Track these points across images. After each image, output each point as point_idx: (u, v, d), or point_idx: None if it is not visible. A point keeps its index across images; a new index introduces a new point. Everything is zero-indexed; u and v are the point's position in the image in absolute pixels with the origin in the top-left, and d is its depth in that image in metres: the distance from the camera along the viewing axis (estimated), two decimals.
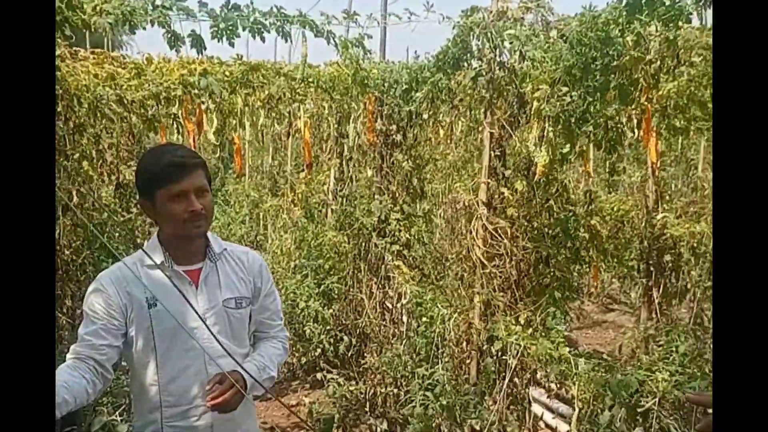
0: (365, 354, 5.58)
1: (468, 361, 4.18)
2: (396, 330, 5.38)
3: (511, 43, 3.55)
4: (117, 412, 4.38)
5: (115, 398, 4.54)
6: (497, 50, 3.64)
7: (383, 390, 4.99)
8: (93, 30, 4.05)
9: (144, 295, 2.13)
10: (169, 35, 3.95)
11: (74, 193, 5.07)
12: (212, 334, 2.12)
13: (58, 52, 4.56)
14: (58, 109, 4.68)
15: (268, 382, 2.23)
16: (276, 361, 2.31)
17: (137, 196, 2.22)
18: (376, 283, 5.52)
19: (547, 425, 4.94)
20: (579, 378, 3.30)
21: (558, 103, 3.22)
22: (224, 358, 2.16)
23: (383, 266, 5.45)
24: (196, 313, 2.11)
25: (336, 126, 6.67)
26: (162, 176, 2.09)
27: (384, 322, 5.51)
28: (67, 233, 4.90)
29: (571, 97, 3.19)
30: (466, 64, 3.88)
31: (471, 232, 3.91)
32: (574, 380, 3.37)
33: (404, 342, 4.96)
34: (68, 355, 2.11)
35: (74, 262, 4.94)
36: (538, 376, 3.95)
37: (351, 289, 5.90)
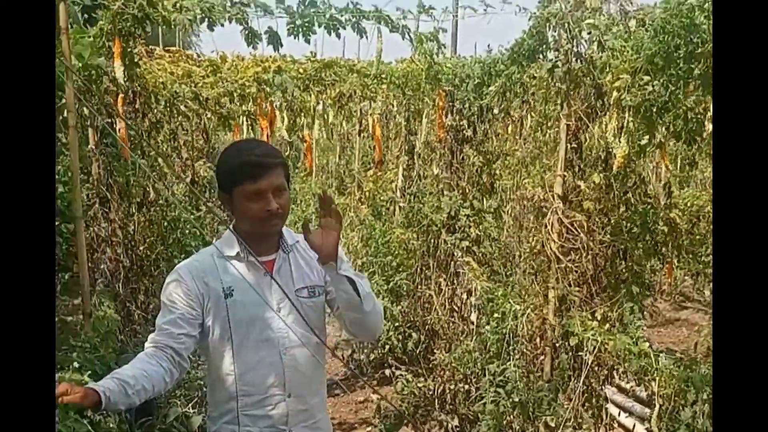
0: (434, 350, 5.56)
1: (541, 358, 4.13)
2: (465, 326, 5.36)
3: (589, 33, 3.50)
4: (190, 405, 4.48)
5: (188, 391, 4.64)
6: (575, 41, 3.60)
7: (453, 386, 4.97)
8: (173, 26, 4.16)
9: (221, 286, 2.16)
10: (247, 32, 4.04)
11: (150, 189, 5.20)
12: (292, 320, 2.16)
13: (135, 50, 4.69)
14: (136, 106, 4.81)
15: (363, 286, 2.15)
16: (370, 292, 2.21)
17: (217, 188, 2.25)
18: (445, 279, 5.51)
19: (621, 425, 4.85)
20: (660, 374, 3.23)
21: (639, 93, 3.16)
22: (299, 348, 2.20)
23: (452, 262, 5.43)
24: (267, 303, 2.16)
25: (405, 123, 6.69)
26: (241, 174, 2.11)
27: (453, 319, 5.49)
28: (142, 229, 5.02)
29: (652, 86, 3.13)
30: (541, 56, 3.84)
31: (546, 227, 3.86)
32: (655, 376, 3.30)
33: (474, 338, 4.93)
34: (146, 344, 2.15)
35: (148, 258, 5.07)
36: (615, 373, 3.88)
37: (419, 286, 5.90)
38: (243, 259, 2.20)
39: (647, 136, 3.35)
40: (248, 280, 2.18)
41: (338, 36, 3.98)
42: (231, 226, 2.27)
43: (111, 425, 2.92)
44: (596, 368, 3.73)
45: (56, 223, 8.01)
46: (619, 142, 3.34)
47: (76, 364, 2.92)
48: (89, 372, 2.90)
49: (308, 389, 2.23)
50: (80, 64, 4.35)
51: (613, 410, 4.02)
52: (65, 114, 4.05)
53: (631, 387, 3.79)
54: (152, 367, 2.06)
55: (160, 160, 5.50)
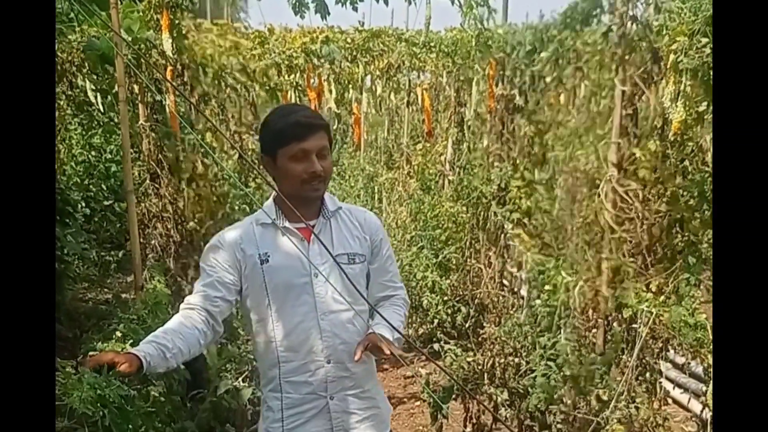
0: (483, 324, 5.51)
1: (594, 330, 4.05)
2: (515, 300, 5.29)
3: None
4: (240, 378, 4.53)
5: (238, 365, 4.70)
6: (630, 3, 3.47)
7: (503, 360, 4.91)
8: None
9: (257, 252, 2.18)
10: (295, 1, 4.01)
11: (199, 163, 5.23)
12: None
13: (183, 23, 4.69)
14: (184, 79, 4.82)
15: (398, 342, 2.24)
16: (397, 323, 2.28)
17: (261, 152, 2.26)
18: (494, 252, 5.45)
19: (676, 401, 4.75)
20: None
21: (697, 56, 3.04)
22: (336, 313, 2.21)
23: (502, 235, 5.36)
24: (303, 268, 2.18)
25: (455, 94, 6.60)
26: (286, 134, 2.12)
27: (503, 292, 5.43)
28: (191, 204, 5.07)
29: (710, 48, 3.01)
30: (595, 20, 3.73)
31: (599, 196, 3.76)
32: (711, 349, 3.20)
33: (525, 311, 4.86)
34: (181, 306, 2.19)
35: (197, 233, 5.11)
36: (669, 346, 3.78)
37: (468, 260, 5.84)
38: (280, 225, 2.21)
39: (705, 102, 3.23)
40: (285, 245, 2.18)
41: (386, 3, 3.93)
42: (273, 194, 2.28)
43: (161, 399, 2.97)
44: (650, 341, 3.64)
45: (110, 202, 8.21)
46: (676, 107, 3.23)
47: (119, 333, 2.96)
48: (131, 341, 2.94)
49: (349, 356, 2.22)
50: (130, 38, 4.38)
51: (668, 386, 3.93)
52: (117, 89, 4.10)
53: (687, 361, 3.70)
54: (187, 329, 2.09)
55: (209, 134, 5.54)
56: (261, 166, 2.30)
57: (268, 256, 2.18)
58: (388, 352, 2.08)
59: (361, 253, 2.29)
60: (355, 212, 2.36)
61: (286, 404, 2.24)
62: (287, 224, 2.21)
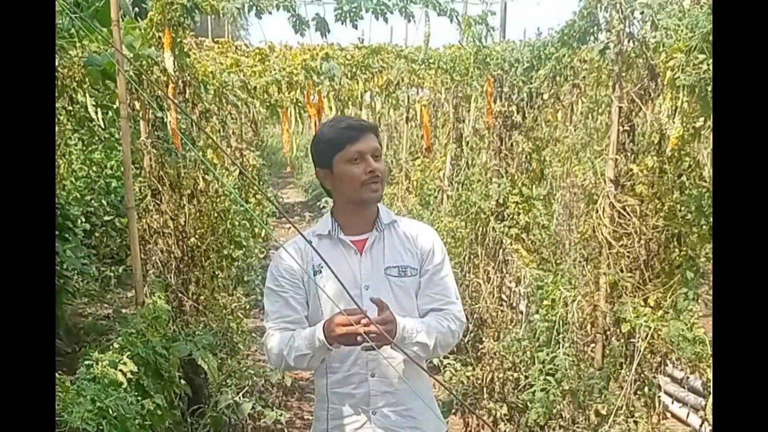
0: (482, 339, 5.52)
1: (592, 345, 4.06)
2: (514, 315, 5.31)
3: (642, 12, 3.42)
4: (241, 393, 4.54)
5: (239, 380, 4.71)
6: (627, 21, 3.52)
7: (502, 375, 4.93)
8: (221, 15, 4.20)
9: (312, 263, 2.23)
10: (294, 19, 4.05)
11: (200, 179, 5.26)
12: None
13: (185, 41, 4.74)
14: (186, 96, 4.86)
15: (416, 347, 2.17)
16: (434, 333, 2.21)
17: (316, 168, 2.29)
18: (493, 267, 5.46)
19: (675, 416, 4.75)
20: None
21: (694, 72, 3.07)
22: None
23: (501, 250, 5.38)
24: (354, 280, 2.20)
25: (453, 111, 6.64)
26: (340, 139, 2.17)
27: (501, 307, 5.44)
28: (192, 220, 5.08)
29: (707, 64, 3.04)
30: (592, 38, 3.77)
31: (597, 211, 3.79)
32: (710, 363, 3.21)
33: (523, 326, 4.88)
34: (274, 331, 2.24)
35: (198, 249, 5.13)
36: (668, 360, 3.79)
37: (467, 275, 5.85)
38: (334, 237, 2.25)
39: (702, 118, 3.26)
40: (338, 257, 2.22)
41: (386, 21, 3.97)
42: (330, 209, 2.34)
43: (159, 413, 2.99)
44: (649, 355, 3.65)
45: (110, 218, 8.22)
46: (673, 123, 3.26)
47: (116, 345, 2.98)
48: (128, 353, 2.96)
49: (393, 371, 2.23)
50: (131, 55, 4.42)
51: (666, 400, 3.94)
52: (118, 105, 4.13)
53: (685, 375, 3.71)
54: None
55: (210, 150, 5.57)
56: (259, 185, 2.33)
57: (321, 267, 2.21)
58: (374, 329, 2.00)
59: (414, 267, 2.28)
60: (410, 225, 2.37)
61: (332, 415, 2.27)
62: (341, 236, 2.25)
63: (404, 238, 2.30)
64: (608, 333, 3.93)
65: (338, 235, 2.24)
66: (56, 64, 4.72)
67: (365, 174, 2.16)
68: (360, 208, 2.24)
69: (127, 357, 2.91)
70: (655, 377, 3.75)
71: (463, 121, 6.35)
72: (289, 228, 12.71)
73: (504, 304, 5.43)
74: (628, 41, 3.59)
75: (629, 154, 3.71)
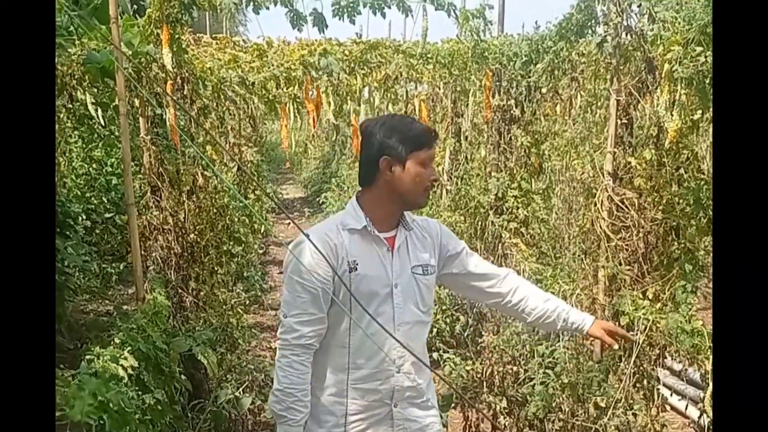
0: (482, 333, 5.53)
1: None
2: None
3: (639, 5, 3.43)
4: (241, 388, 4.55)
5: (239, 376, 4.72)
6: (624, 14, 3.52)
7: (501, 368, 4.93)
8: (219, 11, 4.20)
9: (347, 259, 2.18)
10: (292, 14, 4.05)
11: (199, 176, 5.26)
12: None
13: (183, 38, 4.74)
14: (184, 92, 4.87)
15: None
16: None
17: (381, 154, 2.20)
18: (493, 261, 5.47)
19: (673, 408, 4.76)
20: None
21: (691, 64, 3.08)
22: (410, 324, 2.25)
23: (500, 244, 5.39)
24: (388, 278, 2.21)
25: (452, 105, 6.65)
26: (421, 139, 2.18)
27: None
28: (192, 216, 5.09)
29: (705, 57, 3.05)
30: (590, 31, 3.77)
31: (596, 204, 3.80)
32: (708, 355, 3.22)
33: None
34: (294, 340, 2.18)
35: (198, 245, 5.13)
36: (666, 353, 3.80)
37: None
38: (368, 234, 2.23)
39: (700, 110, 3.27)
40: (371, 254, 2.22)
41: (383, 16, 3.97)
42: (355, 198, 2.31)
43: (159, 408, 3.00)
44: (647, 348, 3.66)
45: (111, 215, 8.24)
46: (671, 116, 3.27)
47: (117, 340, 2.99)
48: (129, 348, 2.97)
49: (416, 366, 2.27)
50: (130, 52, 4.42)
51: (665, 392, 3.95)
52: (117, 102, 4.13)
53: (684, 368, 3.72)
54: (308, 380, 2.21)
55: (209, 146, 5.58)
56: (260, 182, 2.32)
57: (357, 264, 2.18)
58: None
59: (433, 264, 2.33)
60: (422, 223, 2.40)
61: (351, 410, 2.26)
62: (376, 232, 2.23)
63: (422, 236, 2.33)
64: None
65: (373, 232, 2.22)
66: (56, 62, 4.72)
67: (430, 180, 2.21)
68: (402, 208, 2.25)
69: (128, 352, 2.92)
70: (654, 370, 3.76)
71: (462, 115, 6.36)
72: (289, 224, 12.71)
73: None
74: (626, 34, 3.59)
75: (627, 148, 3.71)
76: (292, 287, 2.19)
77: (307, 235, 2.13)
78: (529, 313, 2.41)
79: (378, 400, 2.27)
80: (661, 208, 3.64)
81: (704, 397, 3.44)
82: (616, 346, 2.44)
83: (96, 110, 5.25)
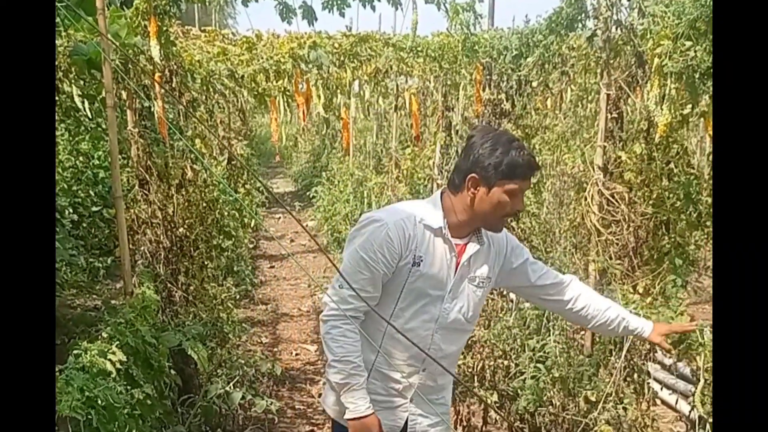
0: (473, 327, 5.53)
1: (582, 332, 4.08)
2: (504, 303, 5.32)
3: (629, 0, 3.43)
4: (231, 383, 4.53)
5: (229, 370, 4.70)
6: (614, 8, 3.52)
7: (492, 363, 4.94)
8: (207, 4, 4.17)
9: (414, 253, 2.19)
10: (281, 7, 4.03)
11: (188, 169, 5.23)
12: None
13: (171, 30, 4.70)
14: (172, 85, 4.83)
15: None
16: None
17: (472, 170, 2.18)
18: None
19: (664, 402, 4.77)
20: (704, 347, 3.15)
21: (681, 59, 3.08)
22: (450, 330, 2.28)
23: None
24: (445, 282, 2.23)
25: (442, 99, 6.64)
26: (515, 170, 2.13)
27: (492, 295, 5.44)
28: (181, 210, 5.06)
29: (695, 51, 3.05)
30: (580, 25, 3.77)
31: (586, 199, 3.80)
32: (699, 350, 3.23)
33: (514, 314, 4.89)
34: (347, 311, 2.19)
35: (187, 239, 5.10)
36: (657, 347, 3.80)
37: None
38: (442, 236, 2.23)
39: (690, 105, 3.27)
40: (437, 255, 2.22)
41: (373, 9, 3.96)
42: (440, 193, 2.31)
43: (149, 402, 2.98)
44: (638, 342, 3.67)
45: (98, 208, 8.18)
46: (661, 110, 3.26)
47: (105, 335, 2.96)
48: (117, 342, 2.95)
49: (441, 370, 2.29)
50: (117, 44, 4.38)
51: (655, 386, 3.96)
52: (104, 94, 4.09)
53: (674, 363, 3.73)
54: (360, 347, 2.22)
55: (197, 139, 5.53)
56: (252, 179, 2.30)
57: (421, 260, 2.19)
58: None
59: (490, 278, 2.35)
60: (493, 235, 2.37)
61: (369, 390, 2.26)
62: (450, 237, 2.23)
63: (488, 250, 2.33)
64: None
65: (447, 236, 2.22)
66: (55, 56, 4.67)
67: (512, 211, 2.20)
68: (476, 225, 2.25)
69: (116, 347, 2.89)
70: (644, 364, 3.77)
71: (453, 109, 6.35)
72: (279, 218, 12.67)
73: (494, 292, 5.43)
74: (616, 28, 3.59)
75: (618, 142, 3.71)
76: (356, 262, 2.19)
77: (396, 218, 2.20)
78: (590, 321, 2.45)
79: (396, 390, 2.30)
80: (651, 202, 3.64)
81: (694, 392, 3.45)
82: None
83: (83, 102, 5.20)
